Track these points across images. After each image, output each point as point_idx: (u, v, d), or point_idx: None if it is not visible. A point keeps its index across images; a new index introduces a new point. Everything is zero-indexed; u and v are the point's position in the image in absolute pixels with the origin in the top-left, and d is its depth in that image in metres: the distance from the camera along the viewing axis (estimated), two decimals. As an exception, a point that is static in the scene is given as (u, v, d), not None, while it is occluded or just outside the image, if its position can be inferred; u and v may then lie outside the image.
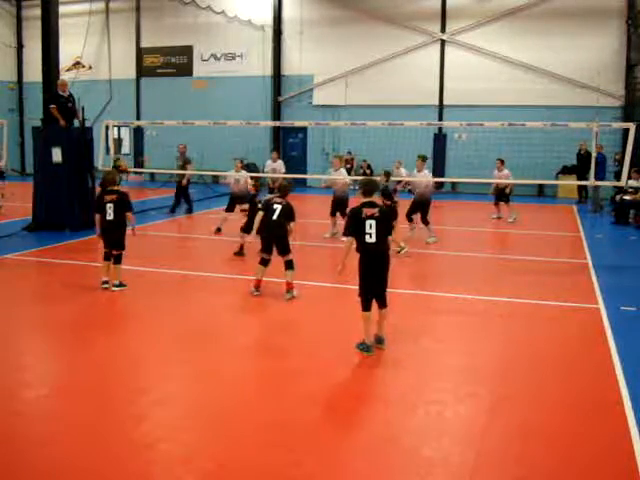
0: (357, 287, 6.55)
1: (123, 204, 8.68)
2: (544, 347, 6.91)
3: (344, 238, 6.77)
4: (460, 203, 20.50)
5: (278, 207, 8.55)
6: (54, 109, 13.70)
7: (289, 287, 8.53)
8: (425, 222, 12.92)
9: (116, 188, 8.79)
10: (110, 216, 8.62)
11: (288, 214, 8.58)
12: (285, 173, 16.76)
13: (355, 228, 6.44)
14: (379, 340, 6.63)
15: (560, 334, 7.39)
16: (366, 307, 6.51)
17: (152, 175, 25.78)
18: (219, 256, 11.67)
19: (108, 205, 8.61)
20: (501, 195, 16.24)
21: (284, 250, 8.62)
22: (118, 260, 8.80)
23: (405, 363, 6.34)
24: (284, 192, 8.81)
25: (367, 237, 6.36)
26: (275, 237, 8.57)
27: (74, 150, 13.84)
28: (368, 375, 6.15)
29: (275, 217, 8.49)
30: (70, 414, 5.15)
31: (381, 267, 6.50)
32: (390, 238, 6.56)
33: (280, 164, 16.93)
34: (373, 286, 6.49)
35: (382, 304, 6.57)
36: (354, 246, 6.54)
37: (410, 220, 13.13)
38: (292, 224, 8.62)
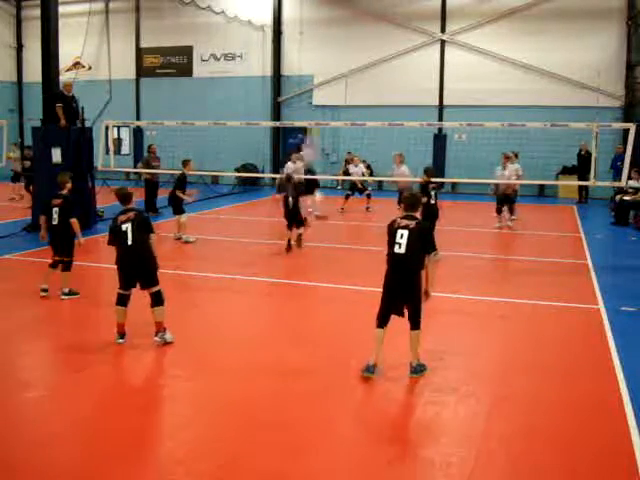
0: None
1: (67, 209, 8.30)
2: (544, 347, 6.91)
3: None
4: (460, 203, 20.48)
5: (128, 225, 6.58)
6: (60, 108, 13.73)
7: (159, 328, 6.68)
8: (511, 211, 15.22)
9: (65, 192, 8.44)
10: (55, 221, 8.30)
11: (144, 226, 6.69)
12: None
13: (389, 240, 5.92)
14: (414, 370, 5.92)
15: (560, 334, 7.39)
16: (381, 323, 5.89)
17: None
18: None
19: (54, 209, 8.30)
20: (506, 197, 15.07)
21: (148, 281, 6.64)
22: (67, 268, 8.40)
23: (405, 363, 6.33)
24: (127, 200, 6.84)
25: (396, 247, 5.78)
26: (135, 267, 6.64)
27: (74, 150, 13.85)
28: (368, 375, 6.14)
29: (130, 241, 6.54)
30: (70, 414, 5.15)
31: (407, 282, 5.78)
32: (427, 257, 5.83)
33: (301, 166, 16.94)
34: (395, 302, 5.85)
35: (413, 325, 5.86)
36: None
37: (499, 212, 15.01)
38: (152, 236, 6.74)
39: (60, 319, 7.89)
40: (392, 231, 5.88)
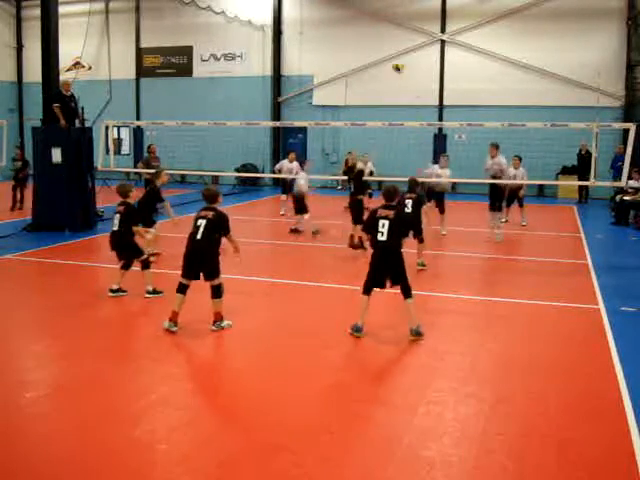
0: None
1: (129, 216, 8.49)
2: (544, 347, 6.91)
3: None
4: (460, 203, 20.48)
5: (202, 222, 7.00)
6: (57, 108, 13.72)
7: (216, 318, 7.19)
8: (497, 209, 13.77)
9: (128, 200, 8.60)
10: (115, 227, 8.47)
11: (218, 227, 7.05)
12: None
13: (371, 226, 6.98)
14: (415, 332, 6.83)
15: (560, 334, 7.39)
16: (365, 290, 6.95)
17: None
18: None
19: (116, 216, 8.49)
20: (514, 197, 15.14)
21: (210, 274, 7.10)
22: (145, 266, 8.59)
23: (405, 363, 6.34)
24: (212, 199, 7.25)
25: (379, 235, 6.83)
26: (199, 260, 7.08)
27: (74, 150, 13.84)
28: (368, 376, 6.14)
29: (199, 236, 6.96)
30: (70, 414, 5.15)
31: (390, 262, 6.84)
32: (404, 240, 7.01)
33: (297, 165, 16.95)
34: (380, 277, 6.86)
35: (404, 294, 6.86)
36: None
37: (499, 209, 13.93)
38: (229, 236, 7.15)
39: (59, 319, 7.87)
40: (375, 219, 6.90)
